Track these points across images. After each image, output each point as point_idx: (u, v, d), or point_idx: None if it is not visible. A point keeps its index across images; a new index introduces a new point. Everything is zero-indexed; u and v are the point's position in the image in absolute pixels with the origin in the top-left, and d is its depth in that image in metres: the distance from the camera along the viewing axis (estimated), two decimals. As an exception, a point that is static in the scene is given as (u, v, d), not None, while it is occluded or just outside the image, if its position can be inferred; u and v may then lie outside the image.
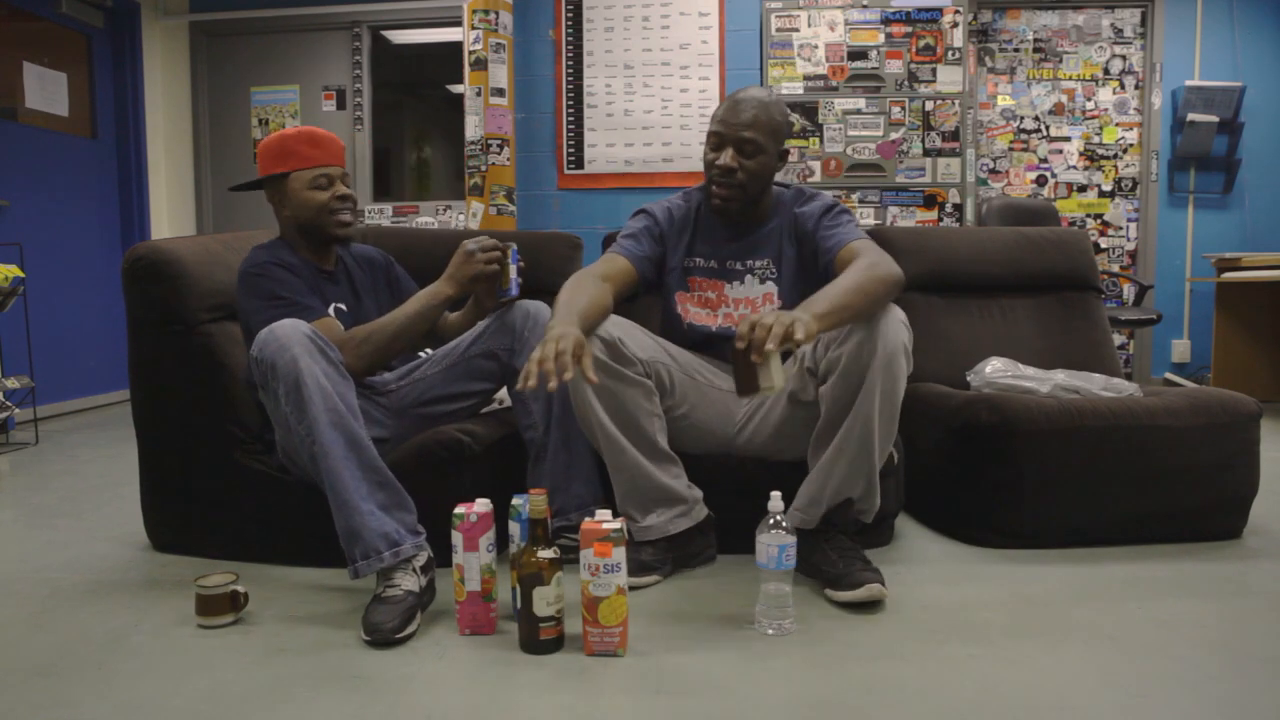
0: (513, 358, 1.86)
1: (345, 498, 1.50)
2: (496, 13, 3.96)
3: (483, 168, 3.99)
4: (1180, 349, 4.64)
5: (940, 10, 4.28)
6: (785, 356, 1.53)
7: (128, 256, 1.89)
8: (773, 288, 1.87)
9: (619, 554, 1.35)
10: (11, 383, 3.27)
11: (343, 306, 1.86)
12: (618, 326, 1.72)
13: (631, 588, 1.45)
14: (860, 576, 1.57)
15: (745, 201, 1.83)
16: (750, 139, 1.77)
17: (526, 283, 1.90)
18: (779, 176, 1.94)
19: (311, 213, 1.80)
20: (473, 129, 4.00)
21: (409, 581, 1.49)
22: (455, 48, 4.56)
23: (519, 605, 1.39)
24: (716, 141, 1.80)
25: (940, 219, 4.32)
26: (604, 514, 1.40)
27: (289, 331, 1.53)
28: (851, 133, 4.31)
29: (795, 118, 4.18)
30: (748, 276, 1.88)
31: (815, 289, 1.76)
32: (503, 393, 2.00)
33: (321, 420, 1.51)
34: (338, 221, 1.81)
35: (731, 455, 1.86)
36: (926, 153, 4.31)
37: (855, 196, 4.33)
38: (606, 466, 1.76)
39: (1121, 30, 4.63)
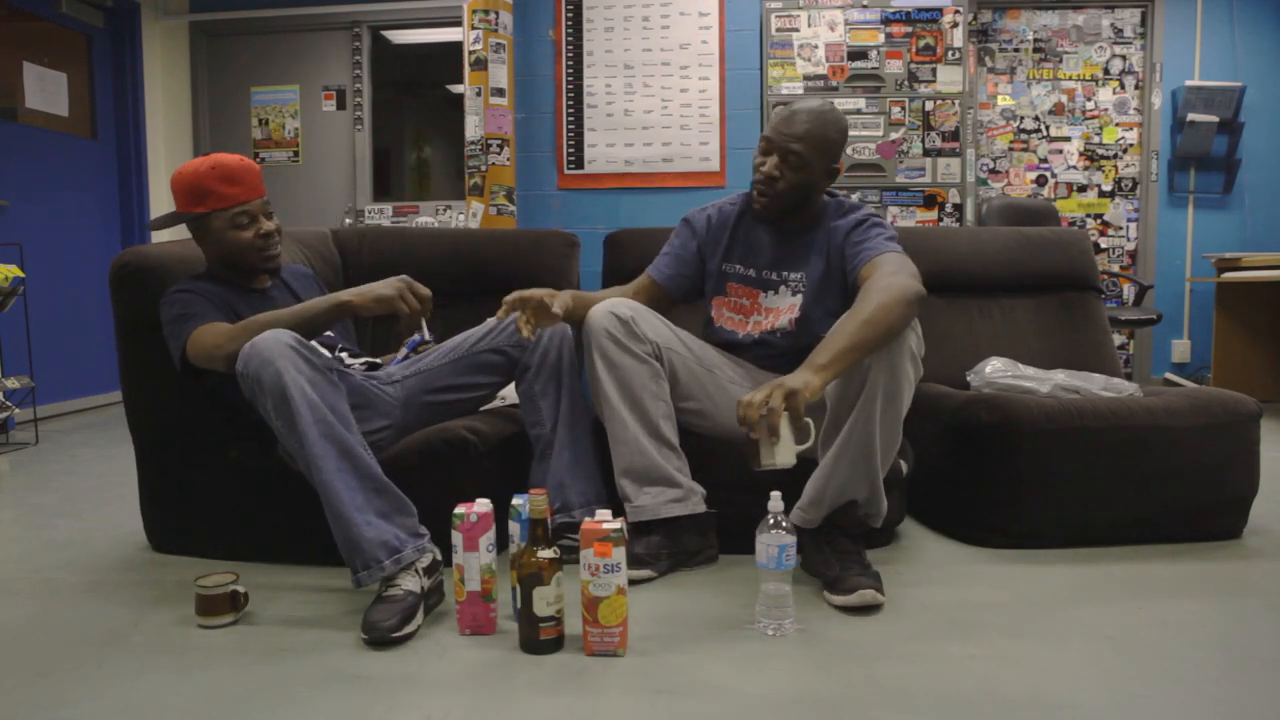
0: (523, 354, 1.88)
1: (340, 510, 1.49)
2: (496, 13, 3.96)
3: (483, 168, 3.99)
4: (1180, 349, 4.64)
5: (940, 10, 4.28)
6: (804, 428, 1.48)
7: (114, 264, 1.90)
8: (799, 300, 1.87)
9: (619, 554, 1.35)
10: (11, 383, 3.27)
11: None
12: (634, 309, 1.77)
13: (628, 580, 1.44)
14: (856, 581, 1.56)
15: (783, 209, 1.84)
16: (797, 151, 1.76)
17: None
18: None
19: (237, 252, 1.79)
20: (473, 129, 4.00)
21: (409, 581, 1.49)
22: (455, 48, 4.56)
23: (519, 605, 1.39)
24: (765, 147, 1.82)
25: (940, 219, 4.32)
26: (604, 513, 1.40)
27: (270, 344, 1.51)
28: (851, 133, 4.30)
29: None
30: (781, 288, 1.89)
31: (839, 304, 1.76)
32: (506, 390, 2.01)
33: (311, 433, 1.49)
34: (265, 258, 1.81)
35: (737, 450, 1.86)
36: (926, 153, 4.31)
37: (855, 196, 4.33)
38: (609, 441, 1.77)
39: (1121, 30, 4.63)
